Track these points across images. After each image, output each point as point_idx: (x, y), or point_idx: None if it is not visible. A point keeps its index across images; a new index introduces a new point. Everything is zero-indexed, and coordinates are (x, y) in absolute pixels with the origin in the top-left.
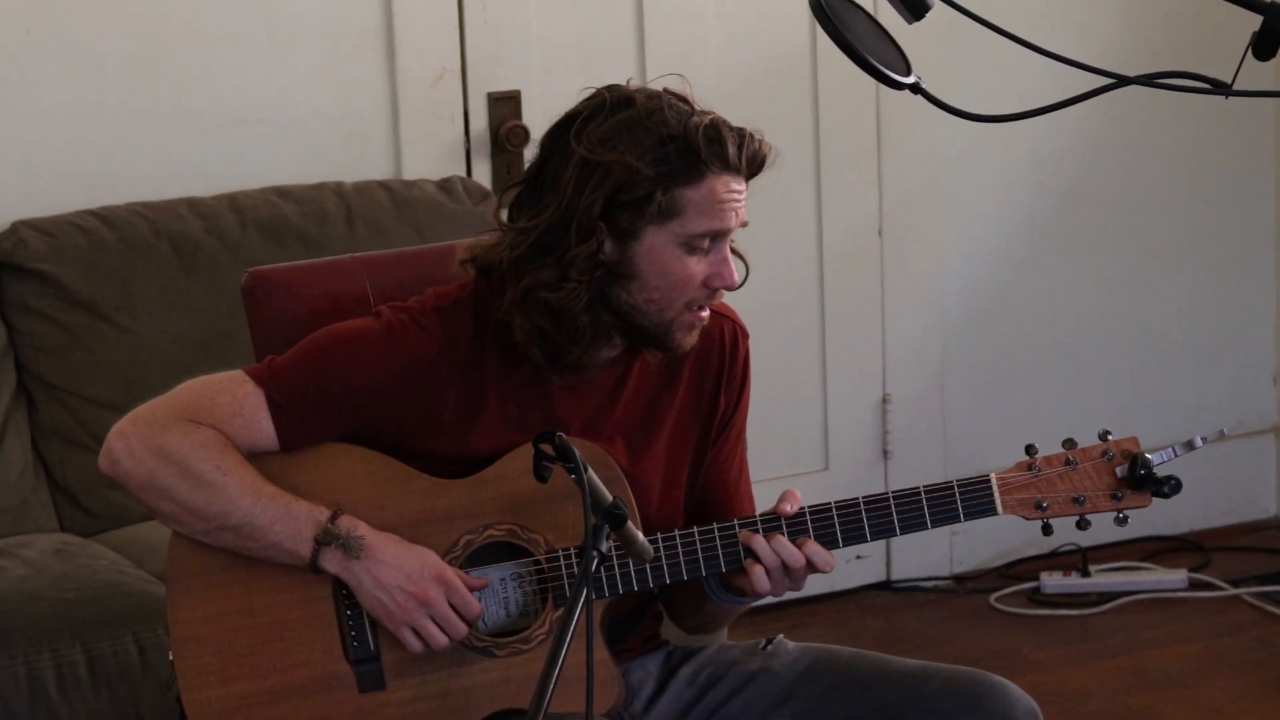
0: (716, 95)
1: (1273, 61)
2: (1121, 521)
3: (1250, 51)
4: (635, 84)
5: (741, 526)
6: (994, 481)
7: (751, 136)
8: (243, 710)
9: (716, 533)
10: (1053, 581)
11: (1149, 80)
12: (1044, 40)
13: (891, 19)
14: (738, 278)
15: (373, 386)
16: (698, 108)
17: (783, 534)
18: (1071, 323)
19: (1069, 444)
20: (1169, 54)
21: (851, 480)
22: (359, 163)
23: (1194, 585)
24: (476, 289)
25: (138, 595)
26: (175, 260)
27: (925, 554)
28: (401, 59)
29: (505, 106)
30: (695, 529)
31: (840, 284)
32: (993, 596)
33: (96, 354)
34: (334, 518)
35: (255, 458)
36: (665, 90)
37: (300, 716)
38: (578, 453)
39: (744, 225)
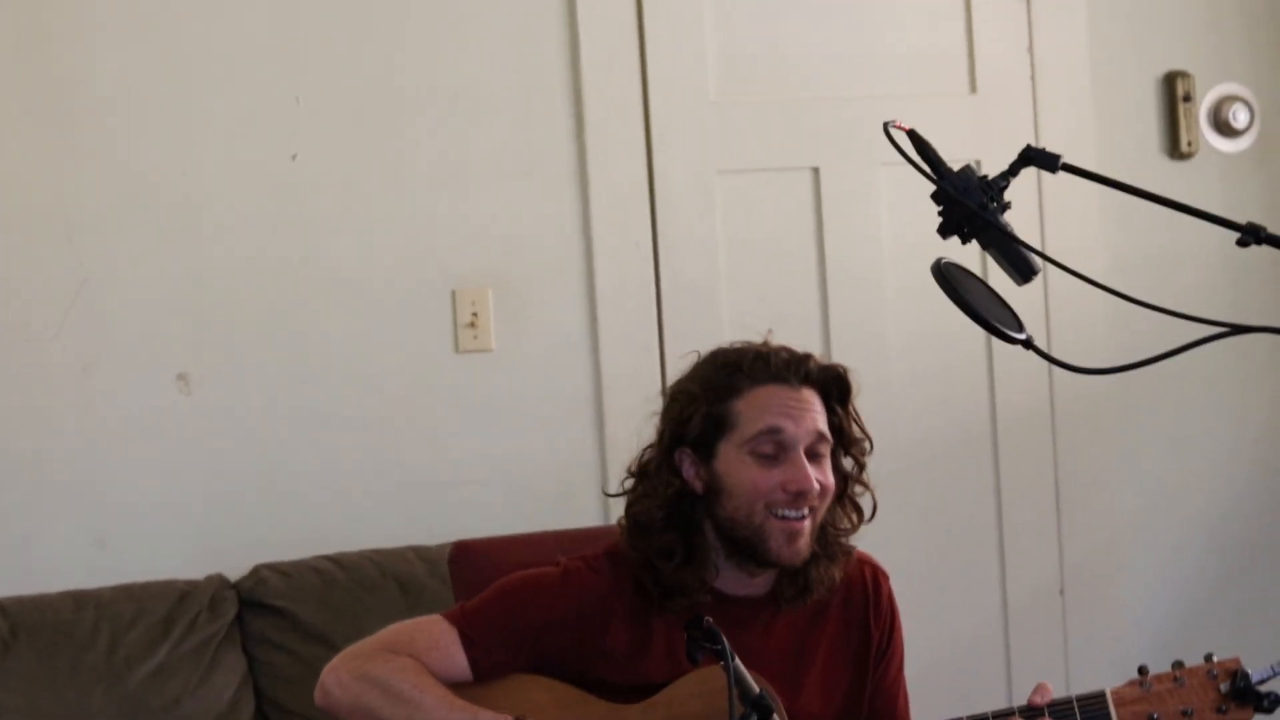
0: (906, 461)
1: None
2: None
3: None
4: None
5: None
6: (1109, 696)
7: (808, 356)
8: None
9: None
10: None
11: (1234, 329)
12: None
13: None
14: (815, 484)
15: (552, 622)
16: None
17: None
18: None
19: (1177, 665)
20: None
21: None
22: (572, 518)
23: None
24: None
25: None
26: (401, 598)
27: None
28: (610, 424)
29: None
30: None
31: (1024, 641)
32: None
33: None
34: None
35: (449, 687)
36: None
37: None
38: (724, 638)
39: (818, 436)
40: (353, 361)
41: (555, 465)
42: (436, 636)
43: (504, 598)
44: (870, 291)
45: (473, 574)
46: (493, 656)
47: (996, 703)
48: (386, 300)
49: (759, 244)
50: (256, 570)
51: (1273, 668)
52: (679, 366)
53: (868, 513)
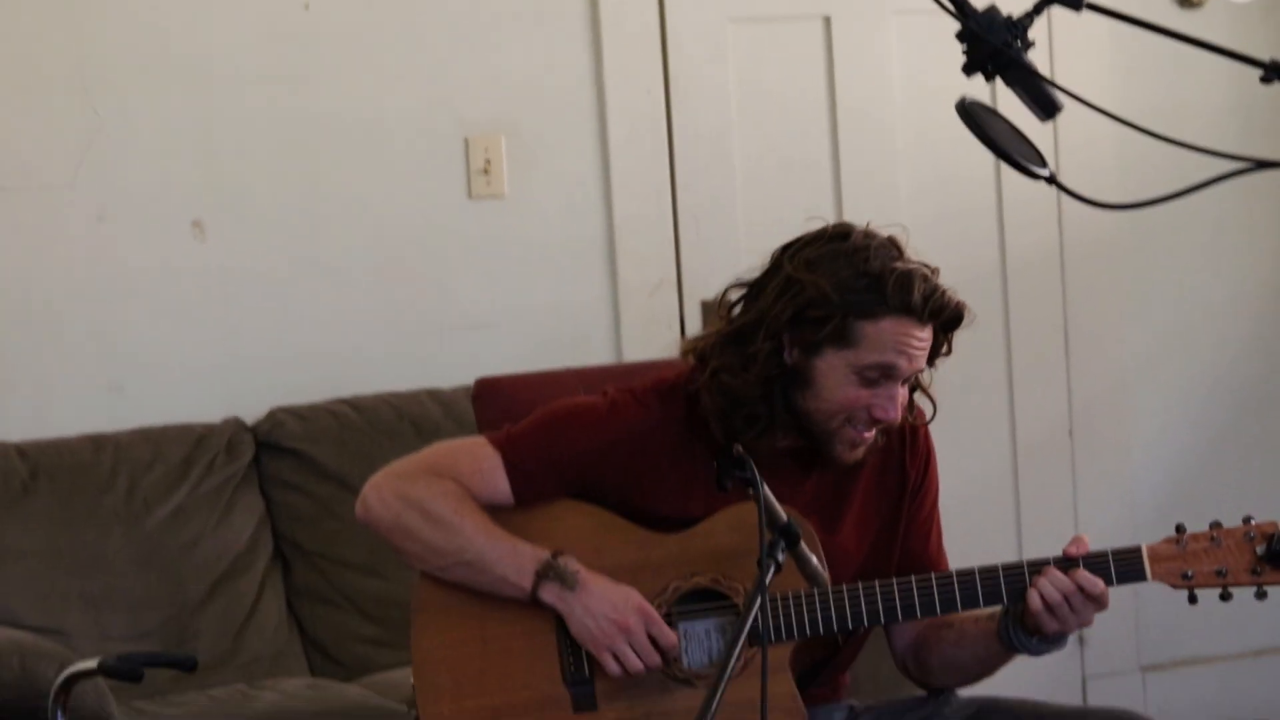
0: None
1: None
2: (1261, 595)
3: None
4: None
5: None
6: (1144, 551)
7: (944, 292)
8: None
9: (1001, 572)
10: None
11: (1258, 164)
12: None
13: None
14: (897, 416)
15: (596, 453)
16: (908, 256)
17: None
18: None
19: (1215, 525)
20: None
21: (1046, 663)
22: (584, 360)
23: None
24: (692, 376)
25: (384, 711)
26: (417, 439)
27: None
28: (622, 270)
29: None
30: (975, 569)
31: (1034, 481)
32: None
33: (345, 521)
34: (555, 556)
35: (490, 511)
36: (888, 237)
37: None
38: (753, 466)
39: (919, 371)
40: (367, 208)
41: (568, 309)
42: (480, 460)
43: (550, 425)
44: (881, 138)
45: (496, 411)
46: (535, 484)
47: (1007, 542)
48: (400, 148)
49: (771, 92)
50: (273, 414)
51: None
52: (711, 199)
53: (929, 413)
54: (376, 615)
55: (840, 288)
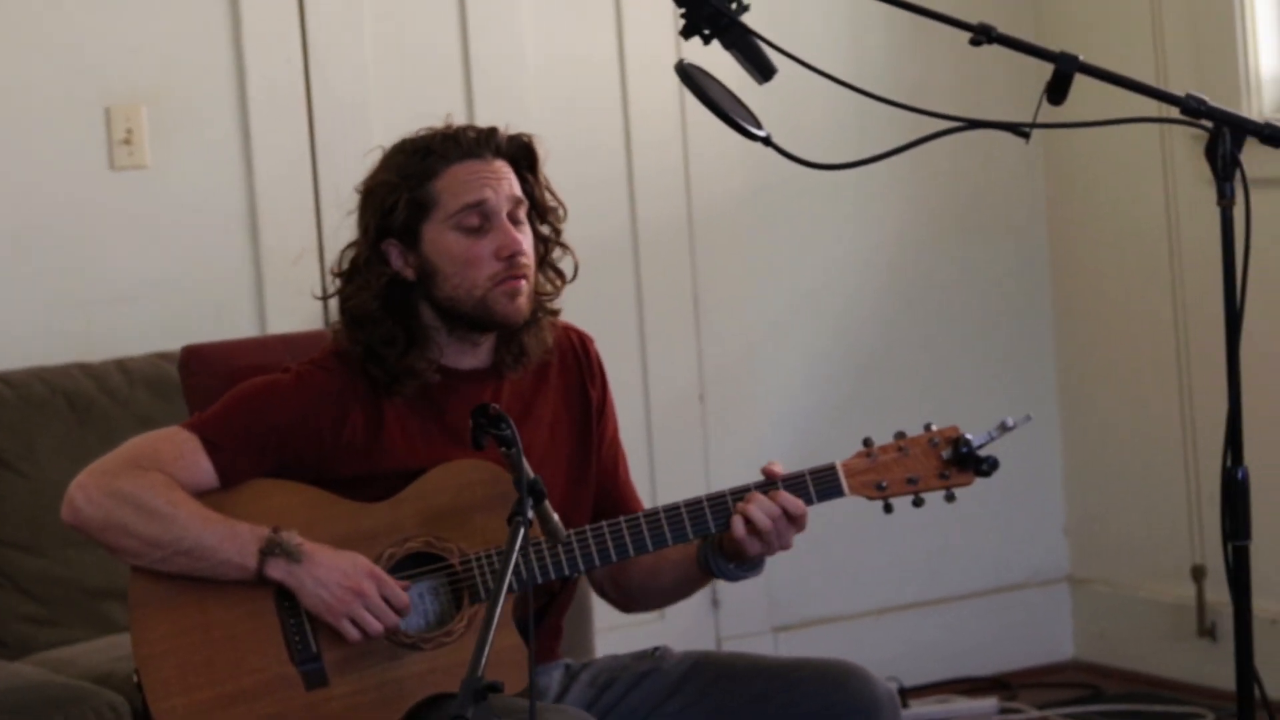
0: None
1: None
2: (950, 498)
3: (1045, 96)
4: None
5: (716, 496)
6: (839, 468)
7: (494, 130)
8: (203, 714)
9: (706, 502)
10: None
11: (969, 124)
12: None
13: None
14: (522, 244)
15: (291, 421)
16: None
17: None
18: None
19: (899, 435)
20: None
21: (683, 630)
22: (230, 333)
23: (1003, 712)
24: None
25: (68, 687)
26: (71, 414)
27: None
28: (265, 239)
29: None
30: (681, 503)
31: (666, 445)
32: None
33: (2, 499)
34: (275, 531)
35: (199, 497)
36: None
37: (255, 715)
38: (511, 422)
39: (518, 202)
40: (7, 180)
41: (211, 280)
42: (180, 445)
43: (241, 402)
44: (515, 107)
45: (204, 377)
46: (237, 460)
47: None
48: (40, 118)
49: (407, 58)
50: None
51: (990, 433)
52: (350, 166)
53: (569, 274)
54: (37, 593)
55: (399, 171)
